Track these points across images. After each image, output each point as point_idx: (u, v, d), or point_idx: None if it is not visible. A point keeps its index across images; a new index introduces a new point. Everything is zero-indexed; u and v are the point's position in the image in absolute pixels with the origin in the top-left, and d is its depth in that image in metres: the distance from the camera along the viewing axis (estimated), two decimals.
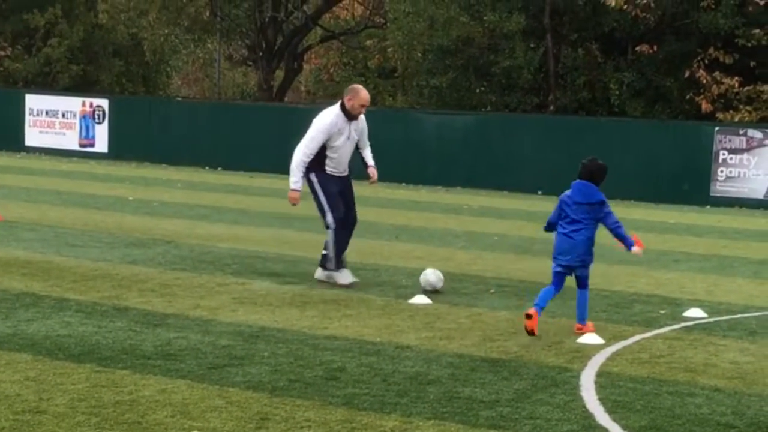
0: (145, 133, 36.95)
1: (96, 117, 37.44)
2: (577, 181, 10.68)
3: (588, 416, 7.46)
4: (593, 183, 10.67)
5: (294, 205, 12.91)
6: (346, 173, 12.93)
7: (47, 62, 47.30)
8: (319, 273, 12.97)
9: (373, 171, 13.26)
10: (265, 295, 11.81)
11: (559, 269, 10.59)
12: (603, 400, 7.88)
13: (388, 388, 7.95)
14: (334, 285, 12.60)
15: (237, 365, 8.46)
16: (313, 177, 12.70)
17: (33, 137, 38.47)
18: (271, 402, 7.44)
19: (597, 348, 9.70)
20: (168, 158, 35.65)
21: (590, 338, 9.98)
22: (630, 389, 8.25)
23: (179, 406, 7.24)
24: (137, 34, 45.71)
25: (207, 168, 34.40)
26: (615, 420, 7.39)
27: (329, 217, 12.70)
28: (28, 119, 38.59)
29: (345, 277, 12.65)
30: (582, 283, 10.60)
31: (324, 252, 12.91)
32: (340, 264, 12.71)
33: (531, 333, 10.07)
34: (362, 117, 12.97)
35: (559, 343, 9.89)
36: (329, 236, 12.70)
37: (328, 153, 12.69)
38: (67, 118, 37.89)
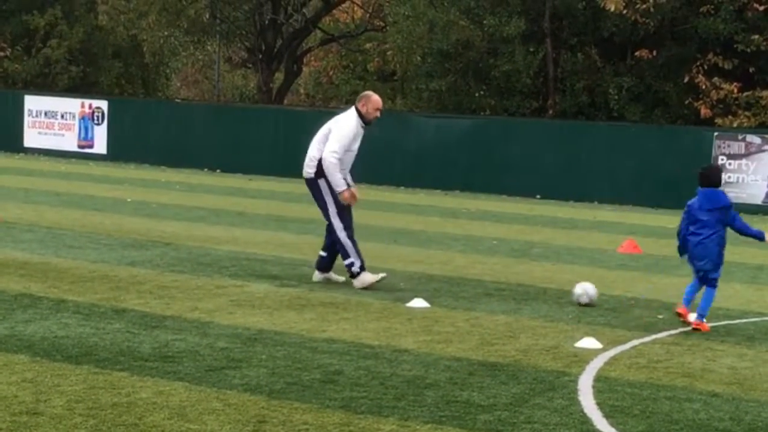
0: (144, 135, 36.97)
1: (95, 118, 37.45)
2: (703, 188, 11.34)
3: (585, 421, 7.45)
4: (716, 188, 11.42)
5: (350, 203, 12.84)
6: (349, 178, 13.00)
7: (47, 63, 47.32)
8: (317, 276, 13.00)
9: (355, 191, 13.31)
10: (263, 298, 11.81)
11: (693, 268, 11.44)
12: (601, 405, 7.88)
13: (386, 391, 7.95)
14: (339, 286, 12.70)
15: (235, 368, 8.45)
16: (322, 183, 12.73)
17: (32, 138, 38.49)
18: (269, 405, 7.44)
19: (595, 353, 9.70)
20: (166, 160, 35.67)
21: (588, 343, 9.98)
22: (628, 394, 8.25)
23: (177, 409, 7.24)
24: (137, 36, 45.76)
25: (206, 170, 34.40)
26: (612, 425, 7.38)
27: (336, 222, 12.73)
28: (27, 120, 38.61)
29: (370, 276, 12.73)
30: (712, 284, 11.27)
31: (322, 254, 12.94)
32: (363, 262, 12.80)
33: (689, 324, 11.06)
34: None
35: (557, 347, 9.89)
36: (341, 237, 12.71)
37: (341, 158, 12.75)
38: (66, 120, 37.91)
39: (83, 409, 7.11)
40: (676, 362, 9.52)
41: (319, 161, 12.69)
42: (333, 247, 12.93)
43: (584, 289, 12.40)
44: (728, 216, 11.30)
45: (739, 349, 10.25)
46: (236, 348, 9.17)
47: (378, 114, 12.91)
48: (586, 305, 12.24)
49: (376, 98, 12.92)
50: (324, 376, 8.30)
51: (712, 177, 11.42)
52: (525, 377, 8.63)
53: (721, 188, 11.50)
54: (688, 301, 11.39)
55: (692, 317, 11.29)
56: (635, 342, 10.34)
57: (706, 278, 11.27)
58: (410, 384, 8.20)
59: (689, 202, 11.39)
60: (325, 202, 12.81)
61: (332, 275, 13.07)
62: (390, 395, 7.84)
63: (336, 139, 12.65)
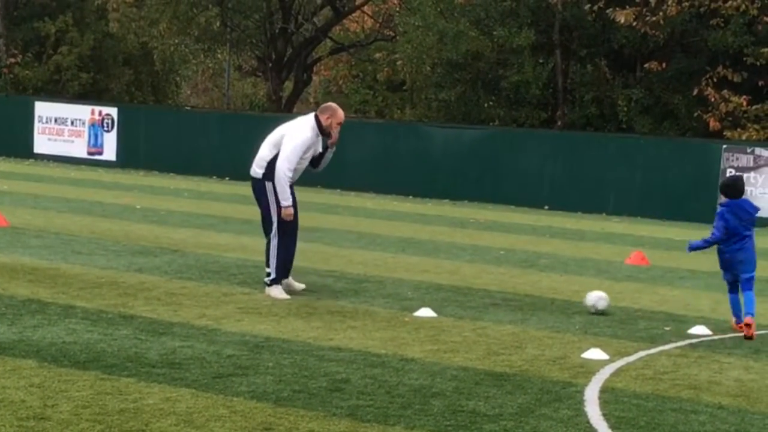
0: (154, 142, 37.04)
1: (105, 125, 37.53)
2: (740, 199, 12.08)
3: None
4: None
5: (290, 220, 12.79)
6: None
7: (57, 70, 47.44)
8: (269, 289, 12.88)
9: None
10: (270, 306, 11.83)
11: (731, 278, 12.08)
12: (607, 416, 7.89)
13: (392, 400, 7.96)
14: (347, 294, 12.64)
15: (241, 375, 8.47)
16: (269, 186, 12.68)
17: (42, 144, 38.57)
18: (275, 412, 7.46)
19: (601, 363, 9.70)
20: (176, 167, 35.73)
21: (595, 354, 9.99)
22: (634, 405, 8.26)
23: (183, 415, 7.26)
24: (147, 44, 45.85)
25: (215, 178, 34.47)
26: None
27: (275, 227, 12.69)
28: (38, 126, 38.69)
29: (280, 291, 12.61)
30: (750, 286, 11.88)
31: (268, 270, 12.80)
32: (285, 273, 12.73)
33: (750, 338, 11.46)
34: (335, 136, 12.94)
35: (563, 358, 9.90)
36: (273, 244, 12.69)
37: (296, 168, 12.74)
38: (76, 126, 37.99)
39: (90, 415, 7.14)
40: (682, 374, 9.52)
41: (270, 163, 12.62)
42: (289, 251, 12.84)
43: (598, 296, 12.56)
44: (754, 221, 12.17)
45: (746, 362, 10.25)
46: (243, 355, 9.19)
47: (339, 128, 12.80)
48: (602, 312, 12.39)
49: (341, 113, 12.80)
50: (330, 384, 8.32)
51: (740, 187, 12.25)
52: (531, 387, 8.64)
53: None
54: (742, 311, 11.81)
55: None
56: (642, 353, 10.35)
57: (749, 283, 11.87)
58: (416, 393, 8.22)
59: (725, 215, 11.87)
60: (269, 204, 12.74)
61: (291, 281, 12.99)
62: (396, 404, 7.85)
63: (290, 150, 12.53)
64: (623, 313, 12.78)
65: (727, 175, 28.65)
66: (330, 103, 13.18)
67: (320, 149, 12.98)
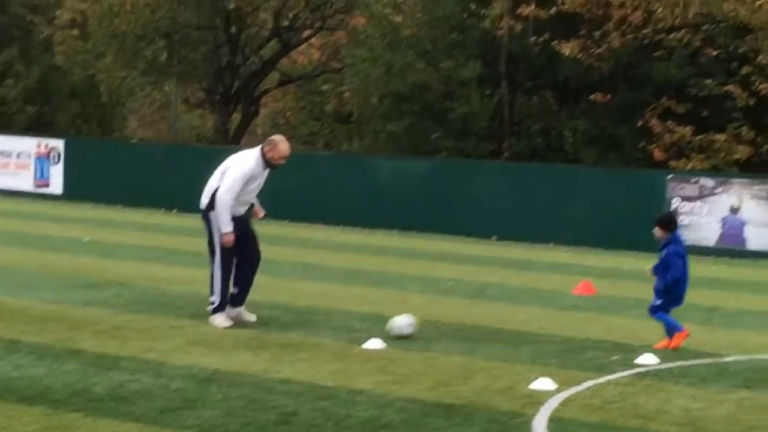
0: (101, 175, 36.78)
1: (51, 158, 37.27)
2: (677, 232, 12.75)
3: None
4: None
5: (227, 246, 12.83)
6: (244, 212, 12.98)
7: (3, 102, 47.11)
8: (230, 312, 12.87)
9: (259, 209, 13.32)
10: (218, 339, 11.78)
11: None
12: None
13: None
14: (296, 326, 12.62)
15: (189, 408, 8.43)
16: (213, 215, 12.73)
17: None
18: None
19: (549, 393, 9.74)
20: (123, 200, 35.48)
21: (543, 384, 10.02)
22: None
23: None
24: (94, 76, 45.64)
25: (162, 210, 34.29)
26: None
27: (217, 256, 12.74)
28: None
29: (223, 319, 12.62)
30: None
31: (212, 299, 12.84)
32: (234, 302, 12.75)
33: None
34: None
35: (511, 388, 9.92)
36: (216, 272, 12.71)
37: (237, 197, 12.77)
38: (22, 159, 37.69)
39: None
40: (629, 403, 9.58)
41: (214, 193, 12.73)
42: (245, 281, 12.90)
43: (399, 323, 12.46)
44: None
45: (693, 391, 10.33)
46: (191, 388, 9.15)
47: (283, 161, 12.89)
48: (408, 336, 12.29)
49: (282, 147, 12.85)
50: (279, 417, 8.29)
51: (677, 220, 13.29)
52: (480, 418, 8.66)
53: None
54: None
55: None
56: (589, 383, 10.40)
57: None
58: (365, 425, 8.21)
59: (679, 250, 12.46)
60: (213, 233, 12.78)
61: (243, 312, 13.00)
62: None
63: (232, 178, 12.68)
64: (571, 342, 12.84)
65: (672, 205, 28.95)
66: (275, 136, 13.25)
67: (263, 182, 13.04)
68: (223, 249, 12.71)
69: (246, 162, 12.82)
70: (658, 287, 12.57)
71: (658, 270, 12.61)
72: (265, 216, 13.46)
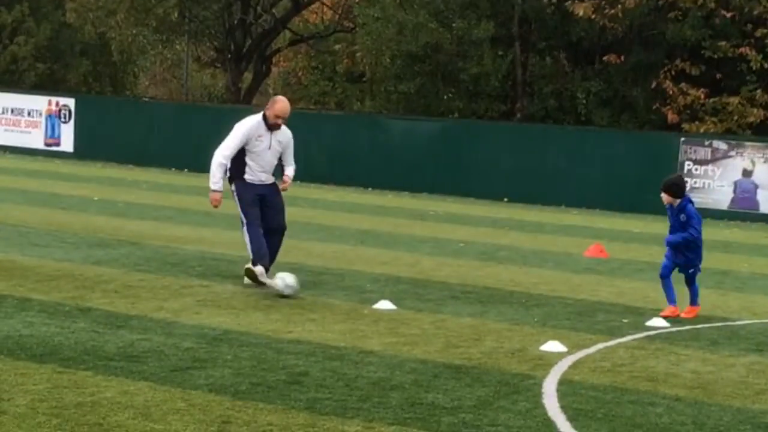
0: (112, 133, 36.79)
1: (62, 116, 37.25)
2: (688, 196, 12.59)
3: (549, 424, 7.49)
4: None
5: (215, 207, 12.85)
6: (268, 182, 12.90)
7: (13, 60, 47.01)
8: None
9: (287, 178, 13.24)
10: (229, 298, 11.79)
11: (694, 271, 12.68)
12: (564, 408, 7.91)
13: (351, 393, 7.95)
14: (306, 287, 12.58)
15: (200, 368, 8.43)
16: (233, 187, 12.81)
17: None
18: (233, 405, 7.43)
19: (559, 356, 9.74)
20: (134, 159, 35.52)
21: (553, 346, 10.02)
22: (591, 398, 8.29)
23: (141, 408, 7.22)
24: (105, 34, 45.52)
25: (173, 169, 34.31)
26: (576, 428, 7.42)
27: (244, 224, 12.72)
28: None
29: (261, 269, 12.45)
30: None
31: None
32: (262, 261, 12.64)
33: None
34: (287, 132, 12.92)
35: (522, 350, 9.92)
36: (244, 235, 12.69)
37: (247, 160, 12.72)
38: (33, 117, 37.68)
39: (47, 408, 7.08)
40: (639, 366, 9.57)
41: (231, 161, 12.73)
42: (270, 251, 12.80)
43: (284, 280, 12.14)
44: None
45: (703, 354, 10.31)
46: (201, 348, 9.15)
47: (279, 121, 12.71)
48: (290, 296, 12.01)
49: (280, 106, 12.71)
50: (289, 377, 8.30)
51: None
52: (489, 380, 8.66)
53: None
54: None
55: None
56: (600, 346, 10.39)
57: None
58: (375, 386, 8.21)
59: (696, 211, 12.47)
60: (237, 204, 12.80)
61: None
62: (355, 397, 7.84)
63: (229, 136, 12.72)
64: (582, 305, 12.83)
65: (686, 168, 28.85)
66: (276, 96, 13.19)
67: (278, 147, 12.87)
68: (247, 213, 12.64)
69: (243, 122, 12.79)
70: (675, 241, 12.34)
71: (673, 234, 12.42)
72: (285, 189, 13.23)
